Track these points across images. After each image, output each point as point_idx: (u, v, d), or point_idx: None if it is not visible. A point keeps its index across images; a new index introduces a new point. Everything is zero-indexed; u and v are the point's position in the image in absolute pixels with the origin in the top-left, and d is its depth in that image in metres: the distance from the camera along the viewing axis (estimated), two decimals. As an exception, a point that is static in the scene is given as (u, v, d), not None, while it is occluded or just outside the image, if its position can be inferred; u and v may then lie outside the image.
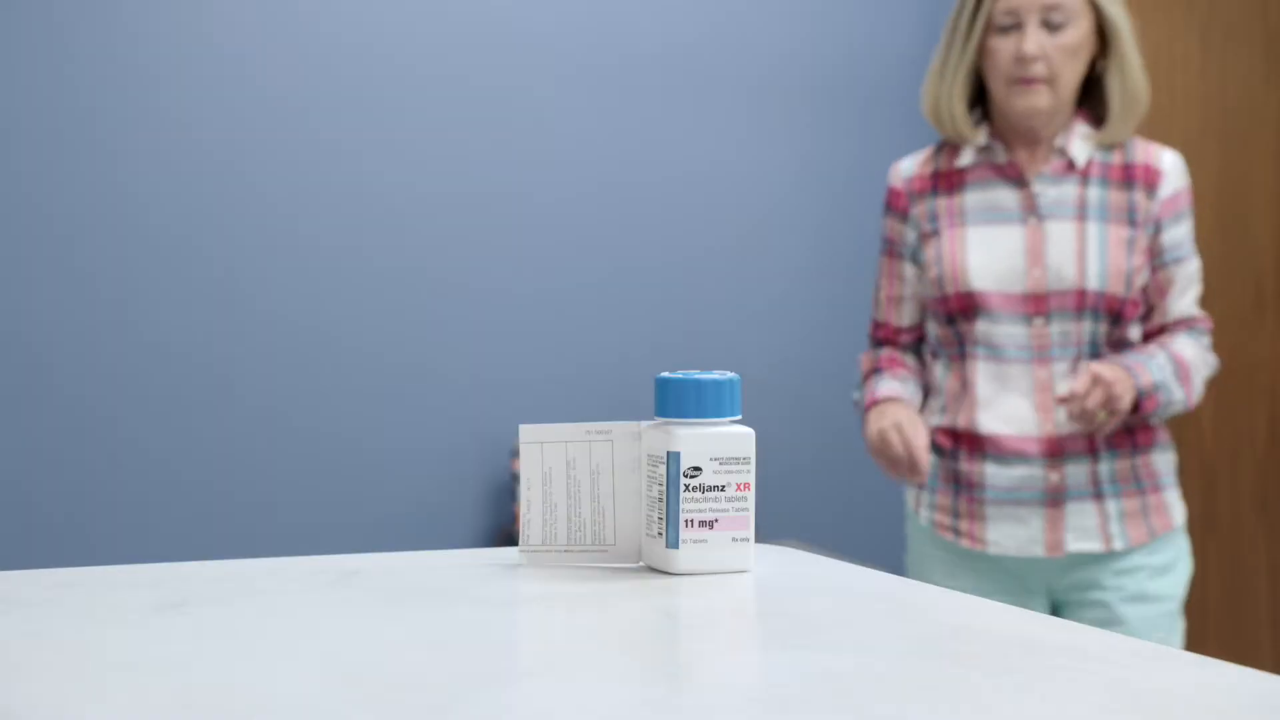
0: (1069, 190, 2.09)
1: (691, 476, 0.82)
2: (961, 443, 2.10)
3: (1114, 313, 2.06)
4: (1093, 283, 2.04)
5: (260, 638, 0.62)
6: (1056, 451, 2.04)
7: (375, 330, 3.29)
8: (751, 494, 0.83)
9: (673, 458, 0.82)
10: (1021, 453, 2.05)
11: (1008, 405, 2.07)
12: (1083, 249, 2.06)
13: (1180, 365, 2.05)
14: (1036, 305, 2.06)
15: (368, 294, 3.28)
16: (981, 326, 2.08)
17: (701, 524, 0.82)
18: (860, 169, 3.69)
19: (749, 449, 0.83)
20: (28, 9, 3.06)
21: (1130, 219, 2.09)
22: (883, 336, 2.23)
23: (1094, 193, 2.09)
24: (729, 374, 0.84)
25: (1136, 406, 2.00)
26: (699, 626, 0.67)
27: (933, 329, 2.16)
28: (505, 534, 3.37)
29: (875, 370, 2.20)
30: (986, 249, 2.09)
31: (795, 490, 3.66)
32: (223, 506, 3.19)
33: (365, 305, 3.28)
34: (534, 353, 3.40)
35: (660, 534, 0.83)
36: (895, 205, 2.20)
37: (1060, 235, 2.07)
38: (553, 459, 0.85)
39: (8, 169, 3.06)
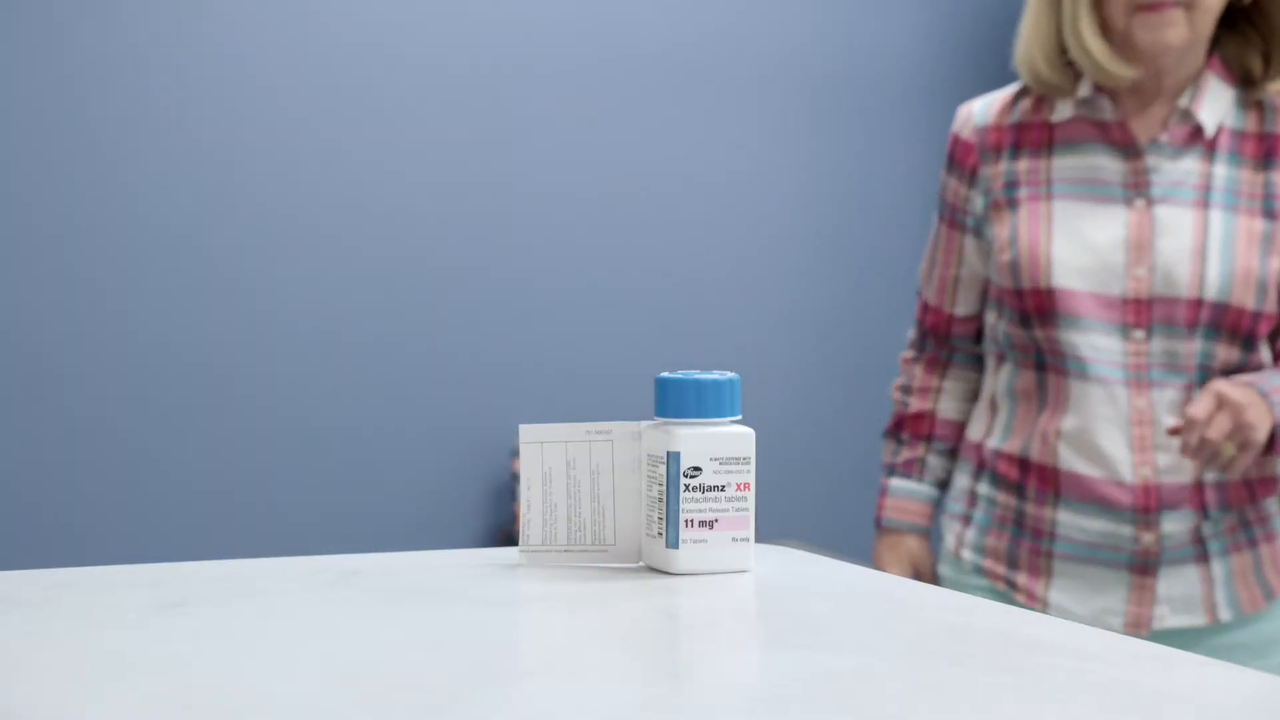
0: (1191, 166, 1.61)
1: (691, 476, 0.82)
2: (1031, 477, 1.66)
3: (1239, 331, 1.60)
4: (1211, 290, 1.58)
5: (260, 638, 0.62)
6: (1153, 505, 1.59)
7: (375, 330, 3.29)
8: (751, 494, 0.83)
9: (673, 458, 0.82)
10: (1107, 501, 1.60)
11: (1097, 438, 1.61)
12: (1203, 245, 1.59)
13: None
14: (1136, 315, 1.60)
15: (368, 294, 3.28)
16: (1066, 335, 1.62)
17: (701, 524, 0.82)
18: (862, 169, 3.68)
19: (749, 449, 0.83)
20: (28, 9, 3.06)
21: (1268, 208, 1.61)
22: (931, 325, 1.80)
23: (1221, 171, 1.61)
24: (729, 374, 0.84)
25: (1271, 443, 1.54)
26: (699, 626, 0.67)
27: (1001, 325, 1.70)
28: (505, 534, 3.37)
29: (895, 434, 1.81)
30: (1077, 235, 1.62)
31: (795, 490, 3.66)
32: (222, 506, 3.19)
33: (365, 305, 3.28)
34: (534, 352, 3.40)
35: (660, 534, 0.83)
36: (961, 161, 1.73)
37: (1175, 225, 1.59)
38: (553, 459, 0.85)
39: (7, 169, 3.05)
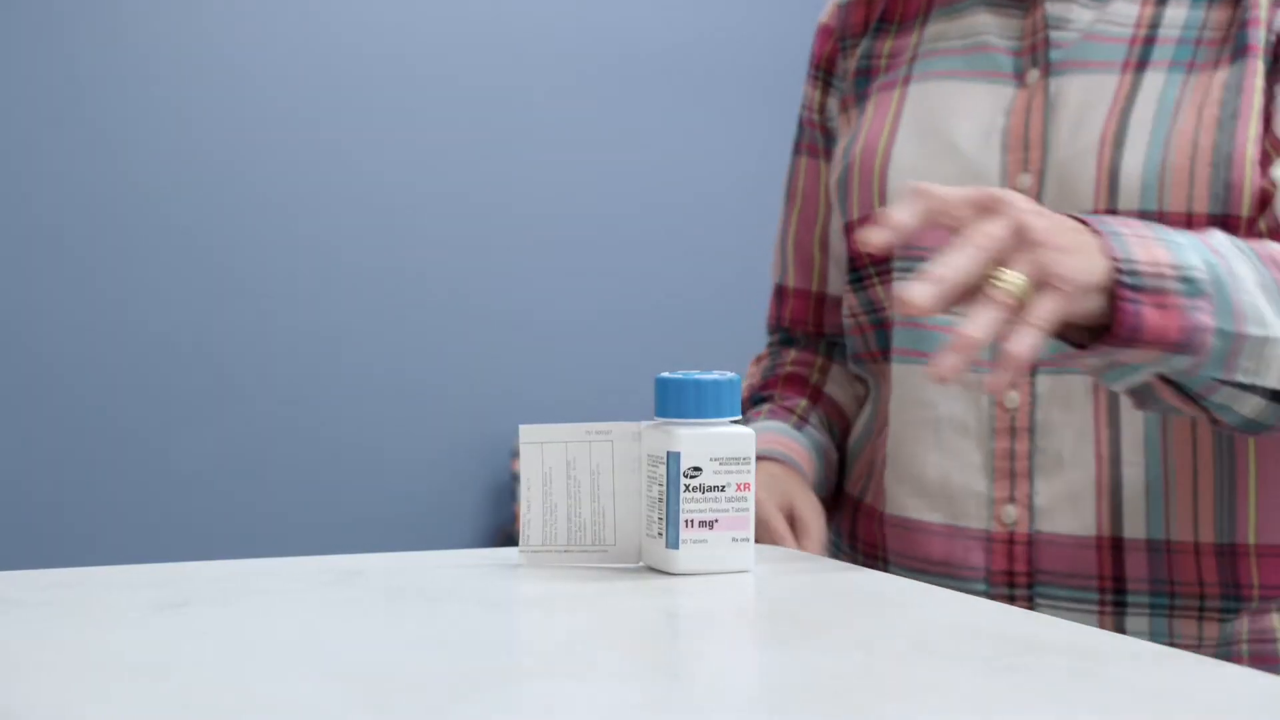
0: (1124, 10, 1.02)
1: (691, 477, 0.82)
2: (860, 531, 1.09)
3: None
4: (1129, 190, 0.96)
5: (260, 638, 0.62)
6: (1020, 570, 0.99)
7: (376, 330, 3.29)
8: (752, 494, 0.83)
9: (672, 458, 0.82)
10: (946, 564, 1.00)
11: (930, 456, 1.02)
12: (1120, 124, 0.98)
13: None
14: None
15: (369, 294, 3.28)
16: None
17: (701, 524, 0.82)
18: (860, 169, 3.69)
19: (749, 449, 0.83)
20: (28, 9, 3.06)
21: (1241, 43, 0.98)
22: (793, 316, 1.20)
23: (1177, 14, 1.01)
24: (729, 374, 0.84)
25: (1115, 324, 0.81)
26: (699, 626, 0.67)
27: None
28: (505, 534, 3.37)
29: (760, 398, 1.17)
30: (932, 129, 1.06)
31: (795, 490, 3.66)
32: (223, 506, 3.19)
33: (366, 305, 3.28)
34: (534, 353, 3.40)
35: (660, 534, 0.83)
36: (817, 56, 1.20)
37: (1084, 101, 1.00)
38: (553, 459, 0.85)
39: (8, 169, 3.05)
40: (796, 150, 1.21)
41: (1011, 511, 0.99)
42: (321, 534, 3.27)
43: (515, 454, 3.37)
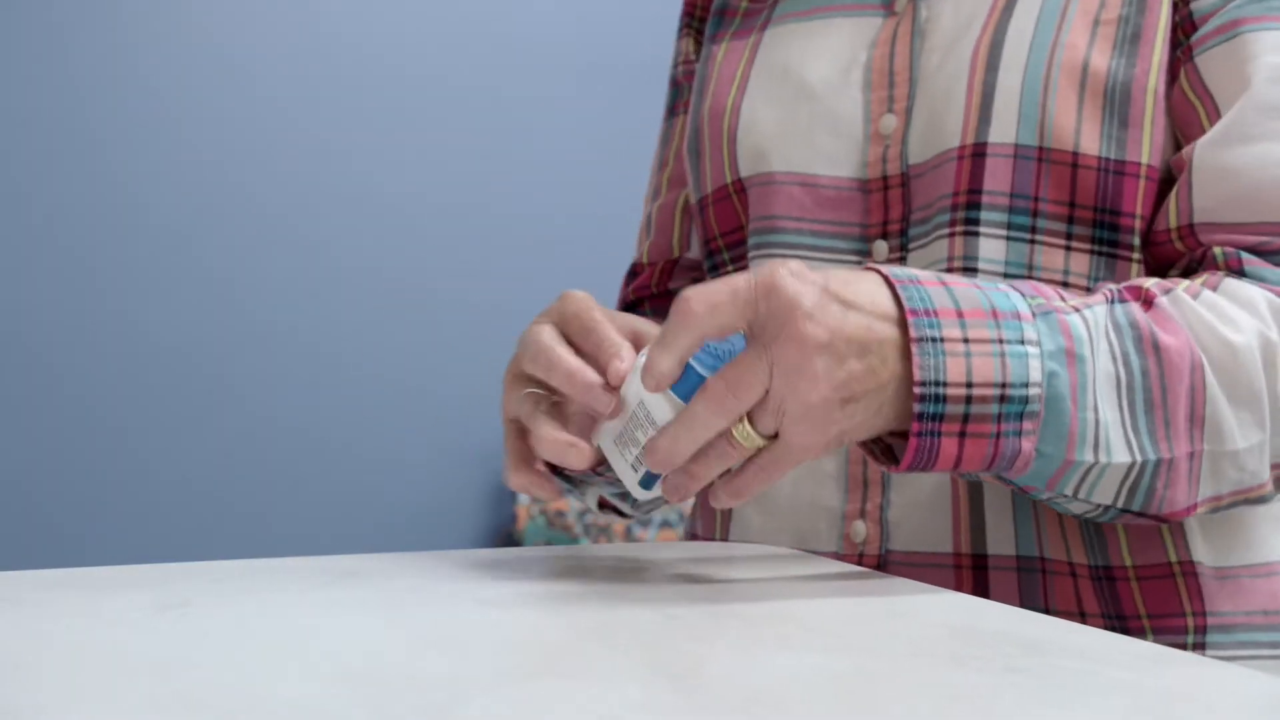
0: None
1: None
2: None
3: (1091, 205, 0.78)
4: (1005, 125, 0.79)
5: (260, 638, 0.62)
6: None
7: (376, 331, 3.29)
8: None
9: None
10: None
11: (782, 487, 0.88)
12: (995, 39, 0.82)
13: (1172, 359, 0.69)
14: (882, 210, 0.84)
15: (369, 296, 3.28)
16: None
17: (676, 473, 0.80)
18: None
19: None
20: (28, 9, 3.06)
21: None
22: (636, 288, 1.06)
23: None
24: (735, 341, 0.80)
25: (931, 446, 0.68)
26: (699, 626, 0.67)
27: None
28: (505, 534, 3.37)
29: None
30: (784, 76, 0.90)
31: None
32: (223, 507, 3.19)
33: (367, 306, 3.28)
34: (534, 353, 3.40)
35: (636, 470, 0.80)
36: (690, 5, 1.05)
37: (956, 25, 0.85)
38: None
39: (7, 169, 3.05)
40: (673, 112, 1.07)
41: (861, 529, 0.85)
42: (322, 534, 3.27)
43: (515, 454, 3.38)
